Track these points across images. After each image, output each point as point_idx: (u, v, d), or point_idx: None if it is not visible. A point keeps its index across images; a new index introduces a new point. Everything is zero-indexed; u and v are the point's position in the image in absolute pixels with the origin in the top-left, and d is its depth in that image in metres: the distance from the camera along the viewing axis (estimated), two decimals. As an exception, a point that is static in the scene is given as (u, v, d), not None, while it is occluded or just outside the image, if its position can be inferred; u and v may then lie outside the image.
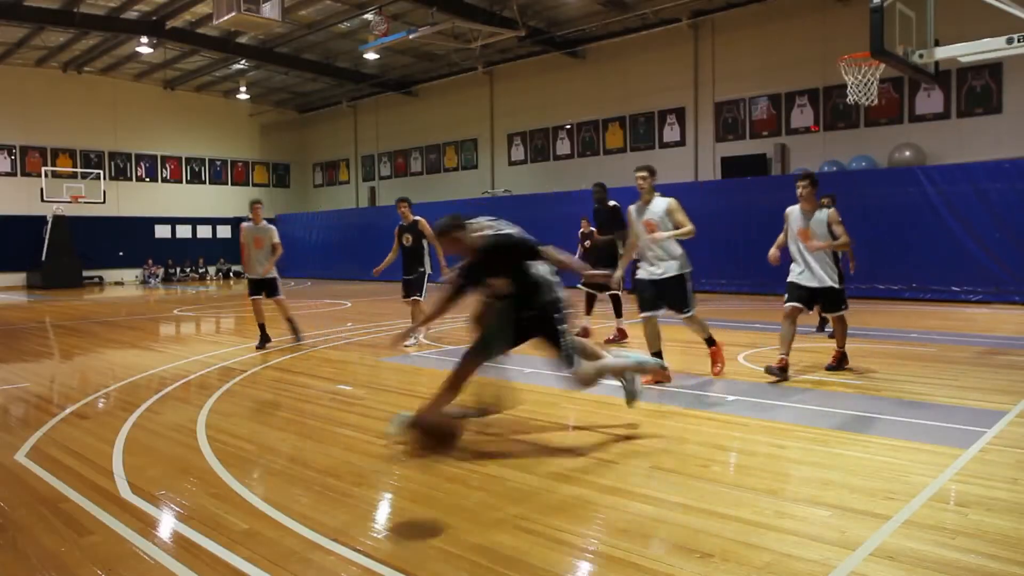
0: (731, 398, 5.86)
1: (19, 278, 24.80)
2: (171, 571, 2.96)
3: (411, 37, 18.39)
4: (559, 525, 3.34)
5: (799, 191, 6.58)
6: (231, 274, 29.33)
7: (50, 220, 24.23)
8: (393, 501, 3.82)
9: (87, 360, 8.83)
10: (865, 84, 8.87)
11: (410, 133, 27.44)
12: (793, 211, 6.65)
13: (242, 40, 22.41)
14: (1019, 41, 7.13)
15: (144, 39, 20.94)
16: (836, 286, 6.59)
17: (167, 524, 3.48)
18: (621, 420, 5.24)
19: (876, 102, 9.25)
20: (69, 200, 24.59)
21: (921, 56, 7.62)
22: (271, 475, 4.21)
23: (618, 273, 6.93)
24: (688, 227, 6.33)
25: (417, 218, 9.18)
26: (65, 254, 24.28)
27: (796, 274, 6.63)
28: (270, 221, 10.14)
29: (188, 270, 28.69)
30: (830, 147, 17.12)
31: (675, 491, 3.76)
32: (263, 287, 9.23)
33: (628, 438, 4.78)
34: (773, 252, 6.84)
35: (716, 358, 6.77)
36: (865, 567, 2.85)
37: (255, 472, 4.27)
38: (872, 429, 4.85)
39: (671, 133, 20.11)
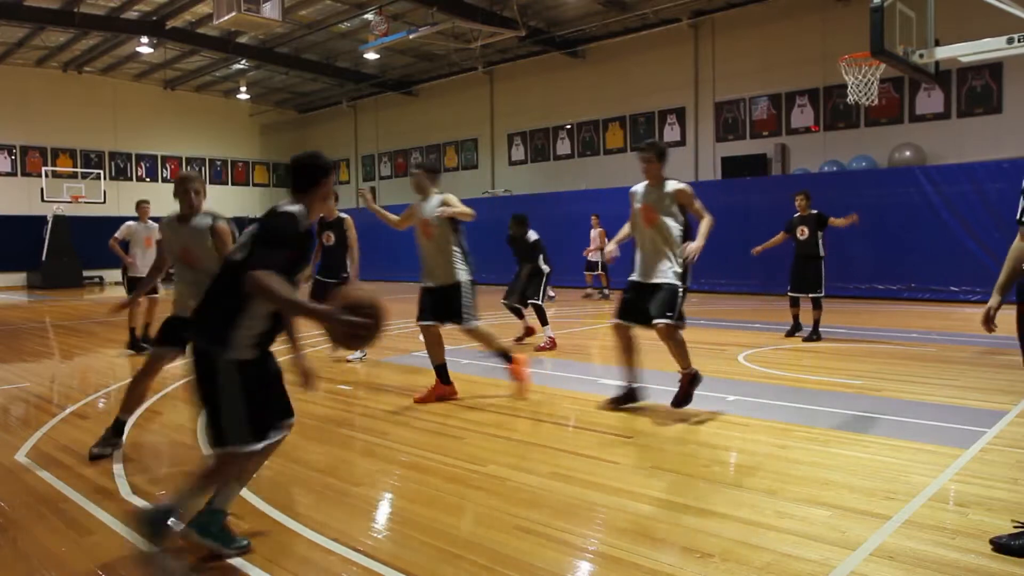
0: (731, 398, 5.86)
1: (19, 278, 24.78)
2: (171, 571, 2.95)
3: (411, 37, 18.38)
4: (559, 525, 3.35)
5: (642, 165, 5.37)
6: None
7: (50, 220, 24.20)
8: (393, 501, 3.82)
9: (87, 360, 8.82)
10: (865, 84, 8.88)
11: (410, 133, 27.43)
12: (637, 188, 5.47)
13: (242, 40, 22.39)
14: (1019, 41, 7.13)
15: (144, 39, 20.92)
16: (668, 283, 5.21)
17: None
18: (621, 420, 5.23)
19: (876, 102, 9.26)
20: (69, 200, 24.57)
21: (921, 56, 7.62)
22: (271, 475, 4.20)
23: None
24: (465, 209, 5.77)
25: (343, 215, 8.23)
26: (65, 254, 24.27)
27: (635, 266, 5.46)
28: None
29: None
30: (830, 147, 17.11)
31: (675, 491, 3.76)
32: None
33: (628, 438, 4.78)
34: (611, 247, 5.60)
35: (515, 375, 5.86)
36: (865, 567, 2.85)
37: (255, 472, 4.26)
38: (872, 429, 4.85)
39: (671, 133, 20.10)
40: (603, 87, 21.34)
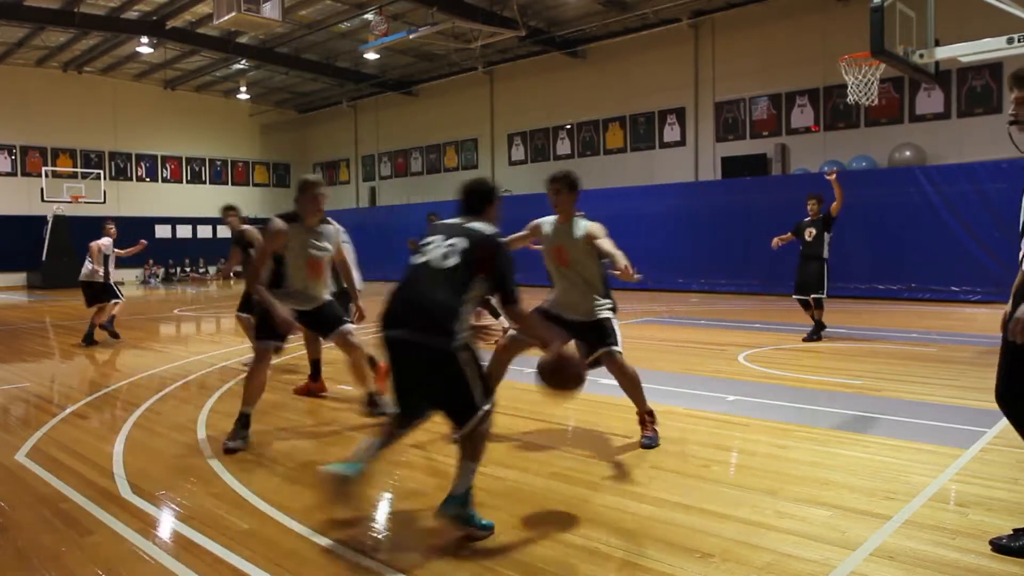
0: (731, 398, 5.86)
1: (19, 278, 24.78)
2: (171, 571, 2.96)
3: (411, 37, 18.38)
4: (560, 525, 3.35)
5: (550, 197, 4.67)
6: (231, 274, 29.31)
7: (50, 220, 24.19)
8: (393, 501, 3.82)
9: (87, 360, 8.83)
10: (865, 84, 8.87)
11: (410, 133, 27.43)
12: (544, 223, 4.81)
13: (242, 40, 22.40)
14: (1019, 41, 7.13)
15: (144, 39, 20.92)
16: (605, 316, 4.61)
17: (167, 524, 3.48)
18: (621, 420, 5.23)
19: (876, 102, 9.26)
20: (69, 200, 24.56)
21: (921, 56, 7.62)
22: (271, 475, 4.20)
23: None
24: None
25: (245, 227, 8.19)
26: (65, 254, 24.26)
27: (552, 301, 4.76)
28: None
29: (188, 270, 28.68)
30: (830, 147, 17.11)
31: (675, 491, 3.76)
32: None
33: (628, 438, 4.77)
34: None
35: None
36: (865, 567, 2.85)
37: (255, 472, 4.26)
38: (872, 429, 4.85)
39: (671, 133, 20.11)
40: (603, 87, 21.34)
